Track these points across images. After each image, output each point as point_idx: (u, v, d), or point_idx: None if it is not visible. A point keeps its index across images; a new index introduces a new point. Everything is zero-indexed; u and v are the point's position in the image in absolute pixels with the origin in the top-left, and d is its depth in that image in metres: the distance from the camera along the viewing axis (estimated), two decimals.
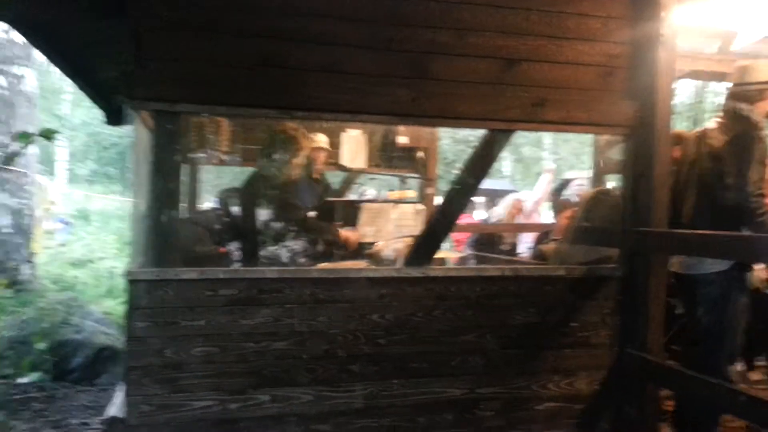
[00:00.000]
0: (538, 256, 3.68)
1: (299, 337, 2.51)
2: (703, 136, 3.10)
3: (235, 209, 3.64)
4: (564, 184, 6.49)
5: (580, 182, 6.40)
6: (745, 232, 2.81)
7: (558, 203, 5.50)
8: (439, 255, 3.19)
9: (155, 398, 2.40)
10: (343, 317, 2.56)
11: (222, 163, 4.71)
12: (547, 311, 2.77)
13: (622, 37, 2.75)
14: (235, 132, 4.66)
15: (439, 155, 5.76)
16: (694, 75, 6.35)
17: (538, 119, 2.71)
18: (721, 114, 3.09)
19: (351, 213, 3.85)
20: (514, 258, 4.68)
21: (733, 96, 3.04)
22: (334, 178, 5.79)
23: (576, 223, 3.09)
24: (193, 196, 5.43)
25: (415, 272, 2.64)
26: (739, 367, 4.14)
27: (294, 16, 2.47)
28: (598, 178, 4.73)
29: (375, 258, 3.52)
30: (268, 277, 2.52)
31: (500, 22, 2.63)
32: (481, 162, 2.73)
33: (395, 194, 5.08)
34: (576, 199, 6.36)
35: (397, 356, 2.62)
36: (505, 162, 23.94)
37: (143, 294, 2.38)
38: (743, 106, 2.97)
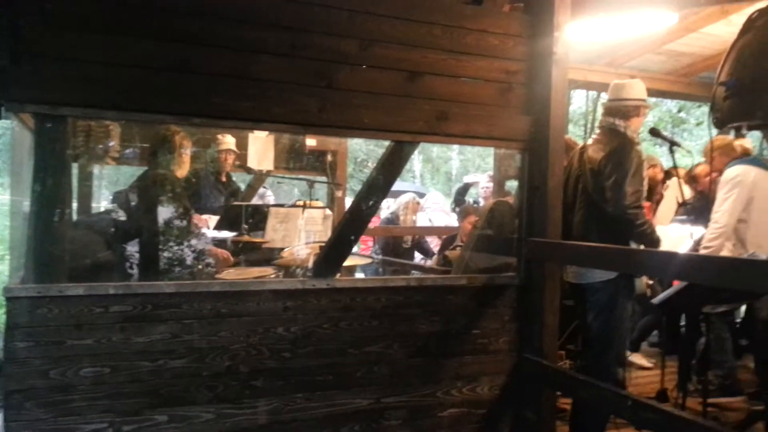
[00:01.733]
0: (444, 262, 3.76)
1: (198, 354, 2.42)
2: (584, 150, 3.27)
3: (123, 212, 3.44)
4: (465, 187, 6.66)
5: (486, 185, 6.60)
6: (633, 244, 3.02)
7: (462, 208, 5.64)
8: (348, 263, 3.18)
9: (39, 423, 2.23)
10: (246, 331, 2.49)
11: (118, 162, 4.45)
12: (450, 319, 2.83)
13: (519, 54, 2.86)
14: (131, 129, 4.41)
15: (350, 155, 5.75)
16: (588, 86, 6.76)
17: (441, 132, 2.76)
18: (599, 129, 3.28)
19: (258, 217, 3.77)
20: (421, 264, 4.76)
21: (608, 112, 3.24)
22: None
23: (477, 231, 3.19)
24: (86, 198, 5.09)
25: (320, 284, 2.61)
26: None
27: (191, 18, 2.36)
28: (499, 184, 4.90)
29: (283, 265, 3.46)
30: (165, 291, 2.40)
31: (404, 34, 2.66)
32: (387, 172, 2.75)
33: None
34: (482, 202, 6.58)
35: (303, 369, 2.58)
36: (415, 162, 24.46)
37: (23, 312, 2.20)
38: (619, 122, 3.16)
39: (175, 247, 3.04)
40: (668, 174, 5.04)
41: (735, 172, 3.50)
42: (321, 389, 2.62)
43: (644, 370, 4.50)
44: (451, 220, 7.58)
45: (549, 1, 2.79)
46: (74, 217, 3.66)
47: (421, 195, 11.29)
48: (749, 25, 2.27)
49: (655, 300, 2.87)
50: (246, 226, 3.68)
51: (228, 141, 4.65)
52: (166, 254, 3.02)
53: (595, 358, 3.12)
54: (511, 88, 2.87)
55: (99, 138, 4.03)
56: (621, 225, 2.99)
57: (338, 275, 2.75)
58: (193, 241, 3.11)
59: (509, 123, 2.88)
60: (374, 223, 7.48)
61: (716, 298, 3.09)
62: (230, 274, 3.18)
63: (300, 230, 3.80)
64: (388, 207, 6.89)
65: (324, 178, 5.01)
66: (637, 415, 2.26)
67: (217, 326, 2.44)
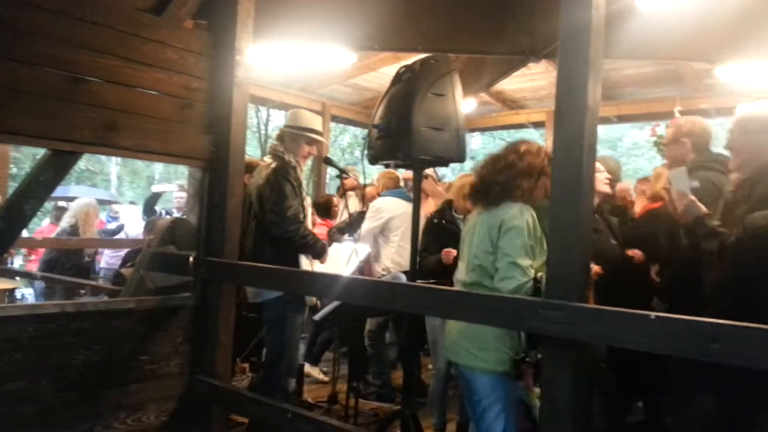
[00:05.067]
0: (117, 281, 3.48)
1: None
2: (257, 173, 3.43)
3: None
4: (155, 197, 6.34)
5: (179, 195, 6.35)
6: (303, 256, 3.23)
7: (149, 221, 5.33)
8: None
9: None
10: None
11: None
12: (114, 347, 2.61)
13: (200, 72, 2.81)
14: None
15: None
16: (284, 107, 7.06)
17: (111, 144, 2.54)
18: (269, 154, 3.48)
19: None
20: (93, 283, 4.32)
21: (277, 137, 3.47)
22: None
23: (152, 249, 3.02)
24: None
25: None
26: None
27: None
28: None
29: None
30: None
31: (66, 32, 2.38)
32: (40, 187, 2.42)
33: None
34: (176, 213, 6.30)
35: None
36: (112, 164, 22.33)
37: None
38: (281, 148, 3.38)
39: None
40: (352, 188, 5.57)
41: (378, 202, 4.16)
42: None
43: (321, 380, 4.81)
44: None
45: (231, 23, 2.81)
46: None
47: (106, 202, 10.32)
48: (398, 78, 2.64)
49: (316, 316, 3.11)
50: None
51: None
52: None
53: (268, 371, 3.25)
54: (192, 104, 2.80)
55: None
56: (288, 242, 3.18)
57: None
58: None
59: (189, 140, 2.81)
60: (47, 233, 6.58)
61: (367, 314, 3.51)
62: None
63: None
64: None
65: None
66: (296, 426, 2.40)
67: None
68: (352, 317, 3.26)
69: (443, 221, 3.73)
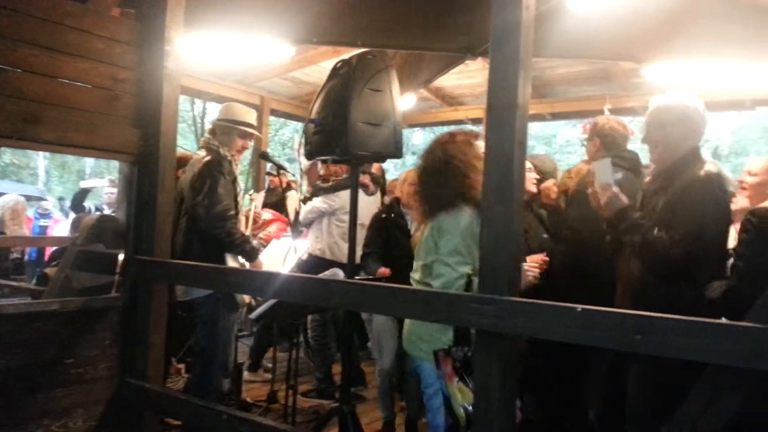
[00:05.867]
0: (40, 281, 3.31)
1: None
2: (190, 167, 3.33)
3: None
4: (83, 193, 6.08)
5: (110, 190, 6.11)
6: (229, 256, 3.15)
7: (76, 218, 5.10)
8: None
9: None
10: None
11: None
12: (37, 351, 2.49)
13: (128, 63, 2.71)
14: None
15: None
16: (222, 100, 6.90)
17: (31, 137, 2.42)
18: (203, 147, 3.40)
19: None
20: (12, 284, 4.10)
21: (210, 130, 3.39)
22: None
23: (77, 247, 2.90)
24: None
25: None
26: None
27: None
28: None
29: None
30: None
31: None
32: None
33: None
34: (107, 209, 6.05)
35: None
36: (39, 158, 21.25)
37: None
38: (214, 141, 3.31)
39: None
40: (289, 186, 5.50)
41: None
42: None
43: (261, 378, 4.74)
44: None
45: (160, 12, 2.71)
46: None
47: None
48: (335, 72, 2.61)
49: (252, 315, 3.06)
50: None
51: None
52: None
53: (200, 371, 3.17)
54: (119, 96, 2.69)
55: None
56: (214, 239, 3.10)
57: None
58: None
59: (116, 133, 2.70)
60: None
61: (306, 311, 3.47)
62: None
63: None
64: None
65: None
66: (231, 428, 2.35)
67: None
68: (289, 315, 3.21)
69: (391, 215, 3.74)
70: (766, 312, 1.41)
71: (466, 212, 2.31)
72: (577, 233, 3.04)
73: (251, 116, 3.42)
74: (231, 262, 3.17)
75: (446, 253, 2.26)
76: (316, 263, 4.07)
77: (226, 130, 3.31)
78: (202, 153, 3.29)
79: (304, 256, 4.10)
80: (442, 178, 2.35)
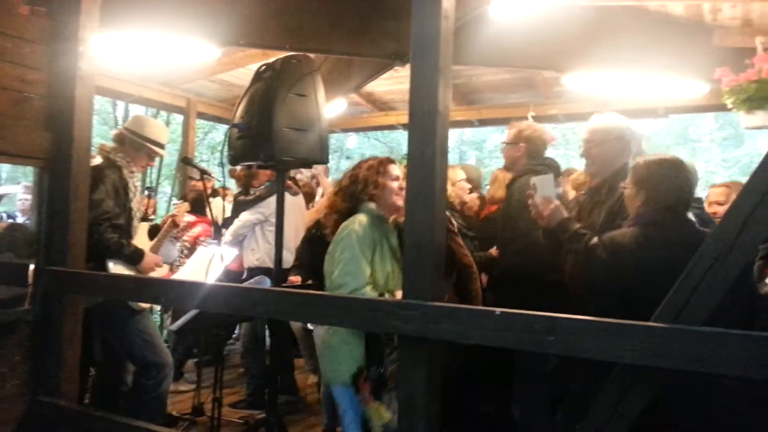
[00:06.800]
0: None
1: None
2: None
3: None
4: None
5: (23, 197, 5.78)
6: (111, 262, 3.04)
7: None
8: None
9: None
10: None
11: None
12: None
13: (38, 64, 2.57)
14: None
15: None
16: (146, 102, 6.67)
17: None
18: None
19: None
20: None
21: (119, 140, 3.23)
22: None
23: None
24: None
25: None
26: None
27: None
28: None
29: None
30: None
31: None
32: None
33: None
34: (20, 217, 5.70)
35: None
36: None
37: None
38: (110, 148, 3.19)
39: None
40: (215, 192, 5.37)
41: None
42: None
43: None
44: None
45: (74, 10, 2.58)
46: None
47: None
48: (258, 76, 2.57)
49: (173, 326, 2.96)
50: None
51: None
52: None
53: (103, 376, 3.10)
54: (28, 99, 2.55)
55: None
56: (91, 246, 2.94)
57: None
58: None
59: (24, 137, 2.55)
60: None
61: (231, 320, 3.40)
62: None
63: None
64: None
65: None
66: None
67: None
68: (213, 324, 3.12)
69: (322, 233, 3.68)
70: (671, 312, 1.49)
71: (356, 221, 2.37)
72: (526, 236, 3.10)
73: (164, 135, 3.29)
74: (111, 266, 3.03)
75: (343, 263, 2.33)
76: (258, 273, 4.00)
77: (137, 145, 3.18)
78: (96, 159, 3.12)
79: (244, 274, 4.10)
80: (346, 195, 2.49)
